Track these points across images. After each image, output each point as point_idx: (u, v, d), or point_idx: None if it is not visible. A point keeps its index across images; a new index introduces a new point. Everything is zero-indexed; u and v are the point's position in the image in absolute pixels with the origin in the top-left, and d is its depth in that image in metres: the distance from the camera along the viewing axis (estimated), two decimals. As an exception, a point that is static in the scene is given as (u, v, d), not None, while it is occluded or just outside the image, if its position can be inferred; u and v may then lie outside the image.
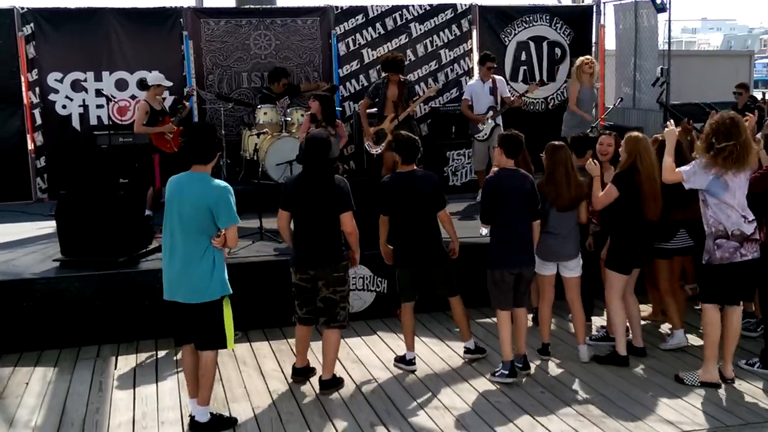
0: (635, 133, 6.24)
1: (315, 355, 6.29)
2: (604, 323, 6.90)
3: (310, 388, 6.01)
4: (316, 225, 5.79)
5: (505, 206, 5.99)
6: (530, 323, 6.78)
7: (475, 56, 12.13)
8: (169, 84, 9.64)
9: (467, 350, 6.56)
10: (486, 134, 9.90)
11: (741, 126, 5.61)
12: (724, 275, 5.73)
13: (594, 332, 6.98)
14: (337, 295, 5.83)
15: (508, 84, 11.81)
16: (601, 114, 9.17)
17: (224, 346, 5.18)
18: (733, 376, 5.94)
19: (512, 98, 9.87)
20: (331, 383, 5.95)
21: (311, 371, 6.19)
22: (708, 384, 5.83)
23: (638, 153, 6.08)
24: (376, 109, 9.70)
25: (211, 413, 5.30)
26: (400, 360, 6.43)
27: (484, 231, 8.01)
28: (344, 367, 6.38)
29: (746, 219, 5.68)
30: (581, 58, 10.20)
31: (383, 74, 9.66)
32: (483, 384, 6.04)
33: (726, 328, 5.86)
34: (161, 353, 6.72)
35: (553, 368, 6.35)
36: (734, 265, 5.70)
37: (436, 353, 6.69)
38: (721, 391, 5.80)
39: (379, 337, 7.14)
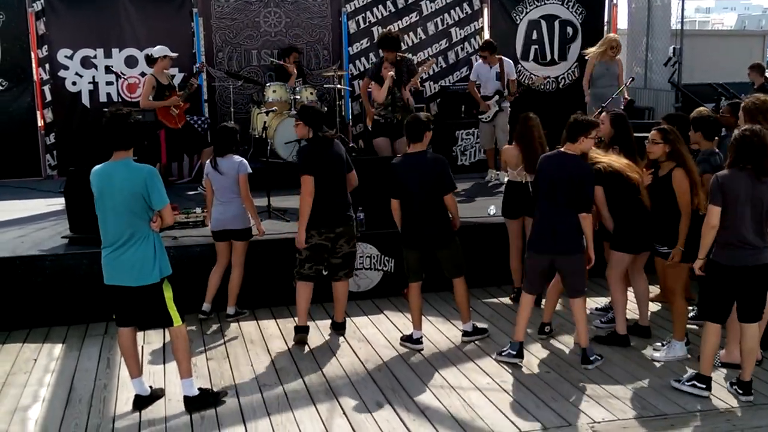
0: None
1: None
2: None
3: (316, 365, 6.03)
4: (334, 186, 6.23)
5: (547, 190, 5.79)
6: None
7: (486, 34, 12.03)
8: (174, 55, 9.61)
9: (465, 333, 6.52)
10: (489, 116, 10.07)
11: None
12: None
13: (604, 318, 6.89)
14: (354, 248, 6.53)
15: (518, 63, 11.73)
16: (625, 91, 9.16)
17: (171, 325, 5.28)
18: (760, 357, 5.84)
19: (509, 92, 9.93)
20: (343, 325, 6.69)
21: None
22: (730, 365, 5.77)
23: None
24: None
25: (199, 388, 5.41)
26: (407, 339, 6.44)
27: (492, 210, 8.01)
28: (351, 346, 6.40)
29: None
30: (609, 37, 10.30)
31: (380, 52, 9.55)
32: (489, 364, 6.04)
33: None
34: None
35: (559, 348, 6.34)
36: None
37: (442, 333, 6.69)
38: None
39: (386, 316, 7.15)
